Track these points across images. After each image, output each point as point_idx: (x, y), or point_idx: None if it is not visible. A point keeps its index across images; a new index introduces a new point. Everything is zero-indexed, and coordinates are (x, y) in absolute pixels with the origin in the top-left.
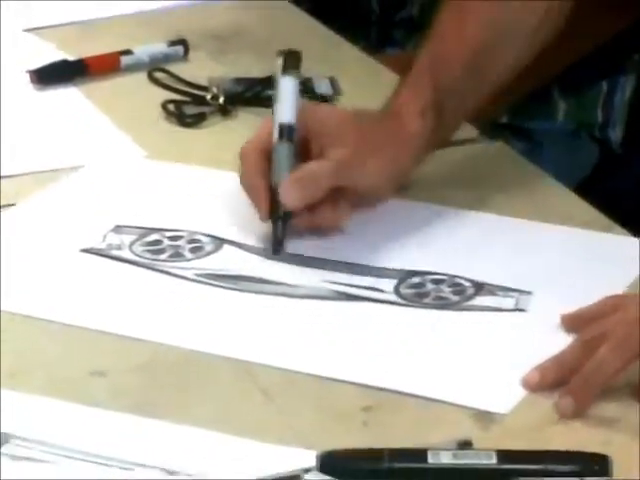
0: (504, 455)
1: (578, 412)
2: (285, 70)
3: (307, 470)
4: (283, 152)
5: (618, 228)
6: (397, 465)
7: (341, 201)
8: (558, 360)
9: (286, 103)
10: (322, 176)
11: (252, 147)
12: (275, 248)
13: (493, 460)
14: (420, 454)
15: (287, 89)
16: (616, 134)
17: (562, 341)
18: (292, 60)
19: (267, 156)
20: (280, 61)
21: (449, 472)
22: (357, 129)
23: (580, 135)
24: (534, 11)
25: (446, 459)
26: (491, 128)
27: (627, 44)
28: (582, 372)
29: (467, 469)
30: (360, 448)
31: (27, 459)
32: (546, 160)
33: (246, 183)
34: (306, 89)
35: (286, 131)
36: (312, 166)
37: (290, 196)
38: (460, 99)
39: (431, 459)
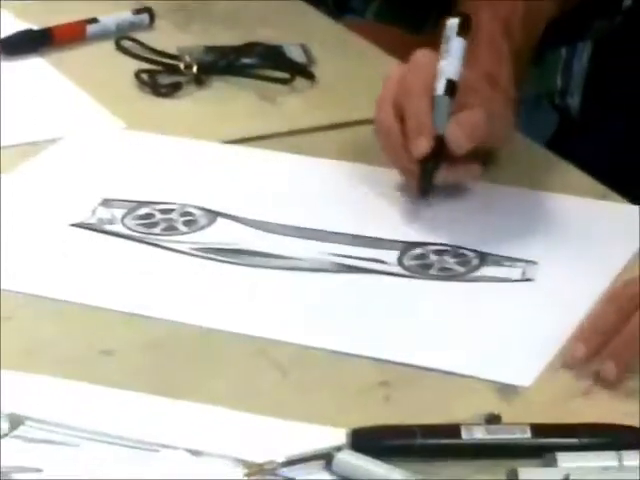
0: (538, 429)
1: (620, 376)
2: (459, 31)
3: (338, 448)
4: (446, 105)
5: (614, 195)
6: (430, 441)
7: (472, 158)
8: (595, 328)
9: (456, 62)
10: (482, 123)
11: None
12: (425, 192)
13: (527, 434)
14: (453, 430)
15: (458, 49)
16: (574, 101)
17: (575, 310)
18: (465, 23)
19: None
20: (455, 21)
21: (484, 448)
22: (483, 88)
23: (541, 102)
24: None
25: (480, 434)
26: None
27: (587, 10)
28: (622, 336)
29: (502, 444)
30: (391, 425)
31: (45, 441)
32: None
33: (415, 111)
34: (279, 57)
35: (451, 87)
36: (472, 114)
37: (460, 140)
38: (524, 60)
39: (465, 435)
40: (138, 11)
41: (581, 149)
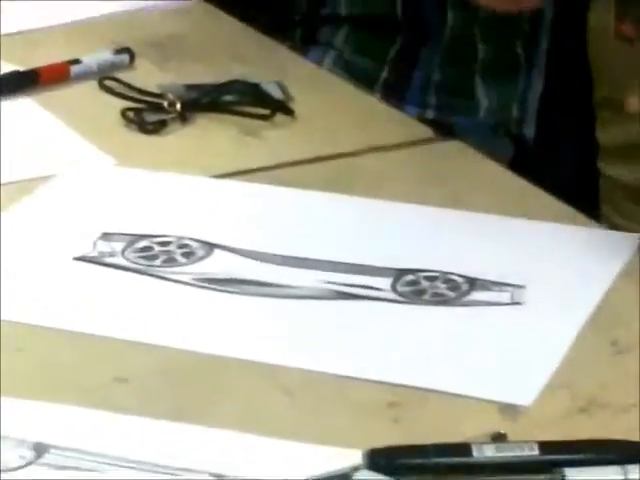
0: (545, 446)
1: None
2: None
3: (355, 468)
4: None
5: (584, 219)
6: (443, 460)
7: None
8: None
9: None
10: None
11: None
12: None
13: (535, 452)
14: (464, 449)
15: None
16: (529, 130)
17: (566, 331)
18: None
19: None
20: None
21: (494, 465)
22: None
23: (497, 131)
24: None
25: (490, 452)
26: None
27: None
28: None
29: (511, 462)
30: (405, 445)
31: (71, 468)
32: None
33: None
34: (258, 94)
35: None
36: None
37: None
38: None
39: (476, 453)
40: (118, 51)
41: (537, 177)
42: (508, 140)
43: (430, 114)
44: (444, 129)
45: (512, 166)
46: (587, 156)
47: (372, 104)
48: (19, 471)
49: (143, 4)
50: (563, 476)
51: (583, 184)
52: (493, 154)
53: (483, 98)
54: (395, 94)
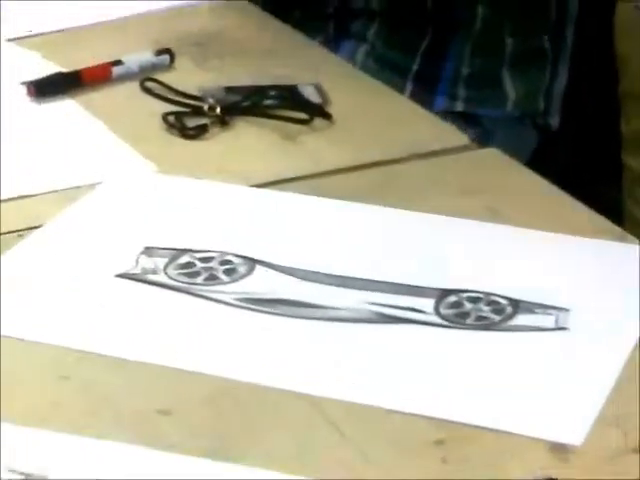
0: None
1: None
2: None
3: None
4: None
5: (630, 237)
6: None
7: None
8: None
9: None
10: None
11: None
12: None
13: None
14: None
15: None
16: (554, 121)
17: (614, 360)
18: None
19: None
20: None
21: None
22: None
23: (524, 122)
24: None
25: None
26: (445, 116)
27: None
28: None
29: None
30: None
31: None
32: (495, 146)
33: None
34: (294, 97)
35: None
36: None
37: None
38: None
39: None
40: (159, 52)
41: (564, 162)
42: (534, 130)
43: (459, 106)
44: (472, 122)
45: (536, 155)
46: (610, 148)
47: (405, 106)
48: None
49: (181, 2)
50: None
51: (606, 176)
52: (519, 143)
53: (510, 90)
54: (426, 86)
